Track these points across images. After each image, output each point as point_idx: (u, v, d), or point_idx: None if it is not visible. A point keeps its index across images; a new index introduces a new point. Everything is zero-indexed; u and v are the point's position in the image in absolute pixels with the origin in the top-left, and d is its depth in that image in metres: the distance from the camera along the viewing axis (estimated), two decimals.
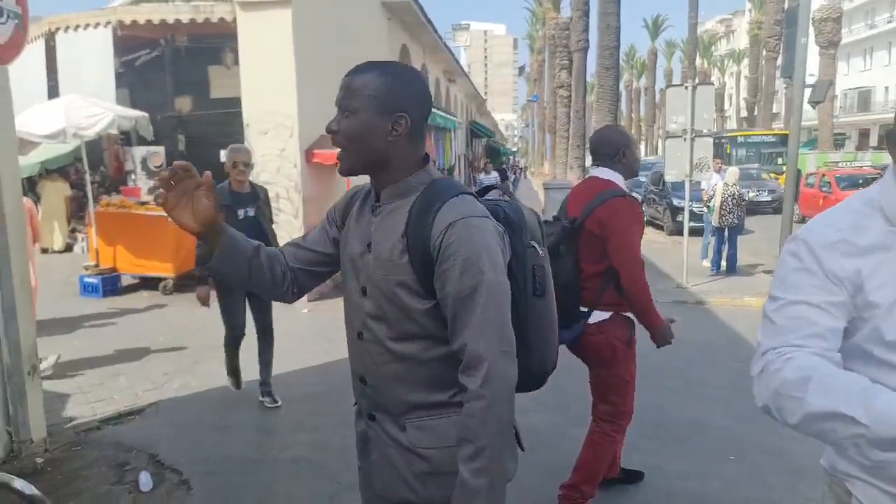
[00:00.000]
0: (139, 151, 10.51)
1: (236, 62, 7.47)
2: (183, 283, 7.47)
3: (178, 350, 5.58)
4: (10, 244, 3.36)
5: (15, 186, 3.49)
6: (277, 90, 7.08)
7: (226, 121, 9.32)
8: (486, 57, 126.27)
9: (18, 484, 2.62)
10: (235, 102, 7.59)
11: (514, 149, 71.69)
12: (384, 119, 1.30)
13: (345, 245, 1.46)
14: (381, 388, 1.40)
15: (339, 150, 1.34)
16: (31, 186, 11.06)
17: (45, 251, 10.33)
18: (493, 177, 10.78)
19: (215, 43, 10.43)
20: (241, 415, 4.16)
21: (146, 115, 9.61)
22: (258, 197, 4.29)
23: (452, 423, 1.32)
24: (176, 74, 11.44)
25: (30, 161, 10.13)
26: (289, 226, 7.19)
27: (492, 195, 1.57)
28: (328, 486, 3.20)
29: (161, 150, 10.70)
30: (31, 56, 9.98)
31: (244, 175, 4.18)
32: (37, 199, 10.81)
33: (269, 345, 4.30)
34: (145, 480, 3.25)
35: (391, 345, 1.35)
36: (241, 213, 4.11)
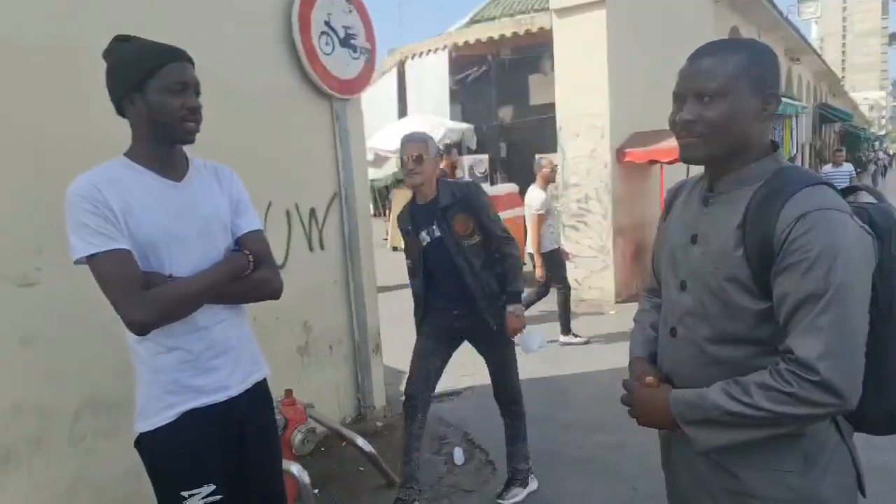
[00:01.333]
0: (467, 160, 11.67)
1: (553, 68, 7.75)
2: None
3: None
4: (360, 244, 4.06)
5: (364, 196, 4.19)
6: (589, 92, 7.15)
7: (542, 126, 9.76)
8: (844, 28, 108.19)
9: (360, 441, 3.18)
10: (551, 108, 7.89)
11: (882, 132, 59.83)
12: (755, 99, 1.21)
13: (665, 238, 1.42)
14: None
15: (685, 140, 1.26)
16: (385, 194, 13.15)
17: (395, 249, 12.16)
18: (846, 170, 9.05)
19: (535, 52, 11.01)
20: (544, 407, 4.32)
21: (471, 126, 10.64)
22: (452, 200, 2.86)
23: (767, 440, 1.19)
24: (500, 86, 12.39)
25: (385, 173, 12.02)
26: (598, 226, 7.20)
27: (855, 196, 1.36)
28: (624, 491, 3.13)
29: (485, 157, 11.72)
30: (387, 83, 11.85)
31: (417, 177, 2.85)
32: (389, 206, 12.81)
33: None
34: (459, 455, 3.61)
35: (709, 346, 1.26)
36: (423, 235, 2.93)
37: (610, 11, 7.04)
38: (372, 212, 8.02)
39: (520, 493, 3.12)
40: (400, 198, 12.98)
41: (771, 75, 1.24)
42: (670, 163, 7.15)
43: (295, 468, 2.47)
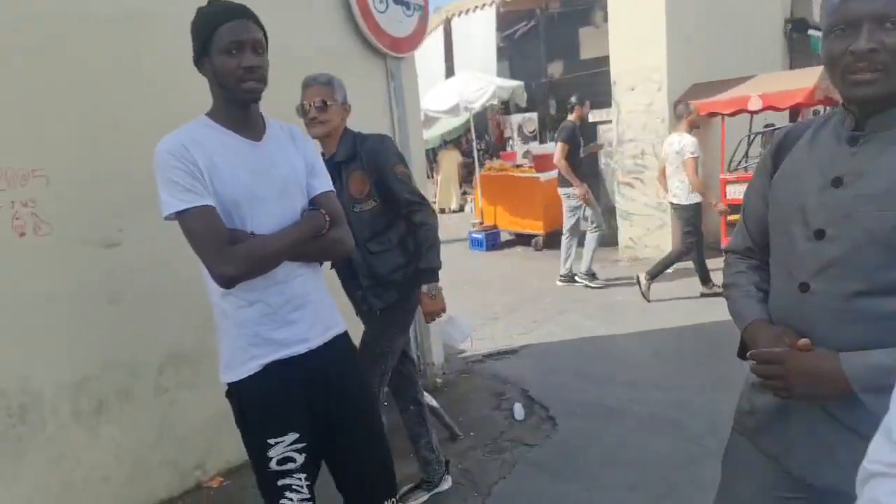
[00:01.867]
0: (516, 119, 11.51)
1: (606, 20, 7.50)
2: (551, 240, 8.00)
3: (545, 300, 6.05)
4: None
5: (420, 156, 4.19)
6: (645, 43, 6.90)
7: (594, 81, 9.50)
8: None
9: (427, 397, 3.25)
10: (604, 62, 7.67)
11: None
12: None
13: (783, 185, 1.28)
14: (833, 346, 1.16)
15: (863, 75, 1.11)
16: (433, 156, 13.13)
17: (442, 211, 12.20)
18: None
19: (585, 4, 10.65)
20: (602, 365, 4.32)
21: (521, 83, 10.43)
22: (349, 155, 2.41)
23: None
24: (549, 41, 12.09)
25: (433, 134, 11.97)
26: (654, 183, 7.04)
27: None
28: (689, 448, 3.13)
29: (534, 115, 11.52)
30: (433, 43, 11.69)
31: (319, 127, 2.37)
32: (437, 167, 12.80)
33: None
34: (519, 410, 3.66)
35: (860, 301, 1.12)
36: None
37: None
38: (427, 174, 8.05)
39: (422, 497, 2.81)
40: (447, 159, 12.97)
41: None
42: (732, 114, 6.88)
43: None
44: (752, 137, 7.20)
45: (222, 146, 1.60)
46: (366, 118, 3.80)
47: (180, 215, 1.52)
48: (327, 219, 1.70)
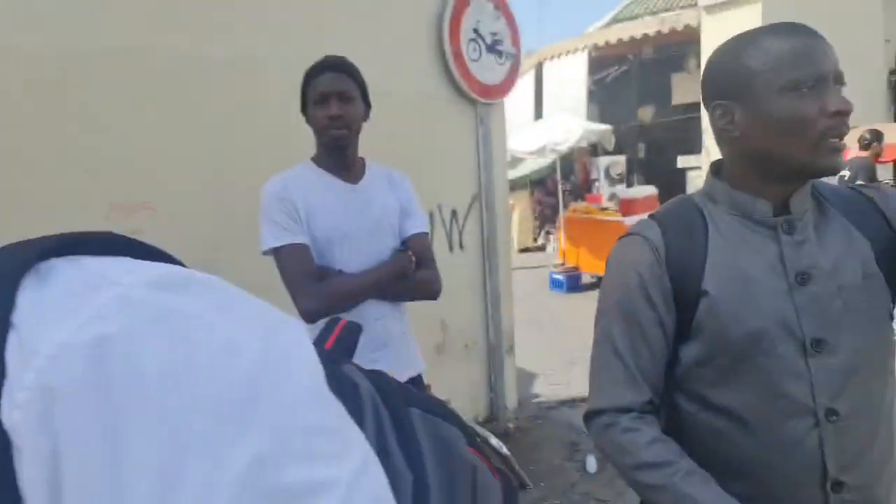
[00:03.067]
0: (603, 161, 11.40)
1: (699, 66, 7.38)
2: None
3: None
4: (498, 244, 4.12)
5: (503, 197, 4.25)
6: None
7: (686, 126, 9.32)
8: None
9: (494, 441, 3.23)
10: (695, 107, 7.53)
11: None
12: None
13: (731, 308, 0.97)
14: (873, 486, 0.96)
15: (840, 140, 0.96)
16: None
17: (521, 251, 12.16)
18: None
19: (678, 50, 10.52)
20: None
21: (609, 127, 10.38)
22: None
23: None
24: (640, 86, 11.98)
25: (518, 174, 12.04)
26: None
27: None
28: None
29: (622, 159, 11.39)
30: (524, 85, 11.85)
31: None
32: (514, 206, 12.83)
33: None
34: (591, 463, 3.56)
35: (878, 412, 0.97)
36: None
37: (766, 7, 6.58)
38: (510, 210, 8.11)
39: None
40: (521, 198, 12.97)
41: None
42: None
43: None
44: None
45: (320, 188, 1.71)
46: (453, 159, 3.90)
47: (276, 251, 1.64)
48: (413, 260, 1.76)
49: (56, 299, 0.32)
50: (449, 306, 3.89)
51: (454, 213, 3.90)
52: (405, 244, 1.81)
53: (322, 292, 1.61)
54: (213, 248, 2.63)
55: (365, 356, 1.69)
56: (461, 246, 3.96)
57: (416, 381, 1.85)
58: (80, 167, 2.30)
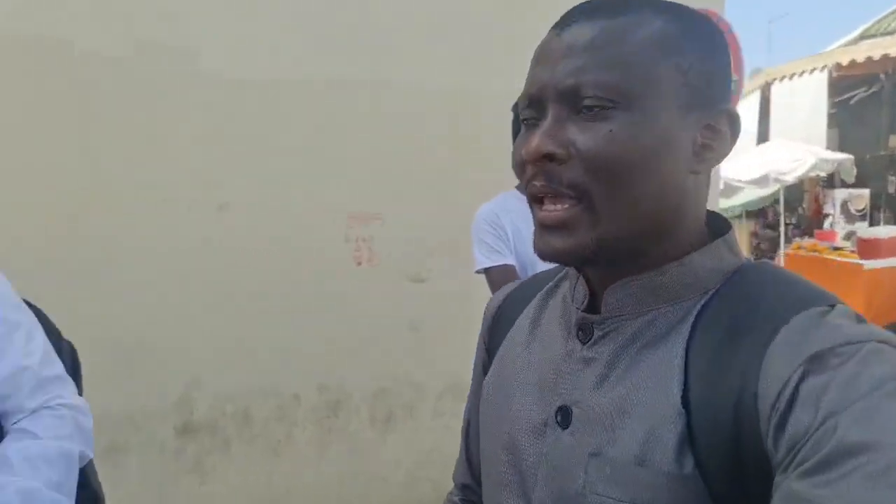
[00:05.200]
0: (840, 194, 10.15)
1: None
2: None
3: None
4: None
5: None
6: None
7: None
8: None
9: None
10: None
11: None
12: (690, 123, 0.57)
13: (493, 411, 0.71)
14: None
15: (547, 209, 0.59)
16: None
17: None
18: None
19: None
20: None
21: (850, 157, 9.24)
22: None
23: None
24: (892, 110, 10.50)
25: (733, 203, 11.22)
26: None
27: None
28: None
29: (865, 192, 10.04)
30: (746, 106, 11.05)
31: None
32: None
33: None
34: None
35: None
36: None
37: None
38: None
39: None
40: (740, 229, 11.97)
41: (722, 78, 0.59)
42: None
43: None
44: None
45: (526, 214, 1.85)
46: None
47: (486, 271, 1.86)
48: None
49: None
50: None
51: None
52: None
53: None
54: (428, 256, 2.91)
55: None
56: None
57: None
58: (324, 177, 2.71)
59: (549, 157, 0.55)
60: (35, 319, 1.07)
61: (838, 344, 0.48)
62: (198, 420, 2.57)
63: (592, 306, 0.63)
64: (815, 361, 0.48)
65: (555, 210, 0.57)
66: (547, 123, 0.56)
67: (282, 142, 2.62)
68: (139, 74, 2.42)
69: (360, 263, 2.82)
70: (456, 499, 0.88)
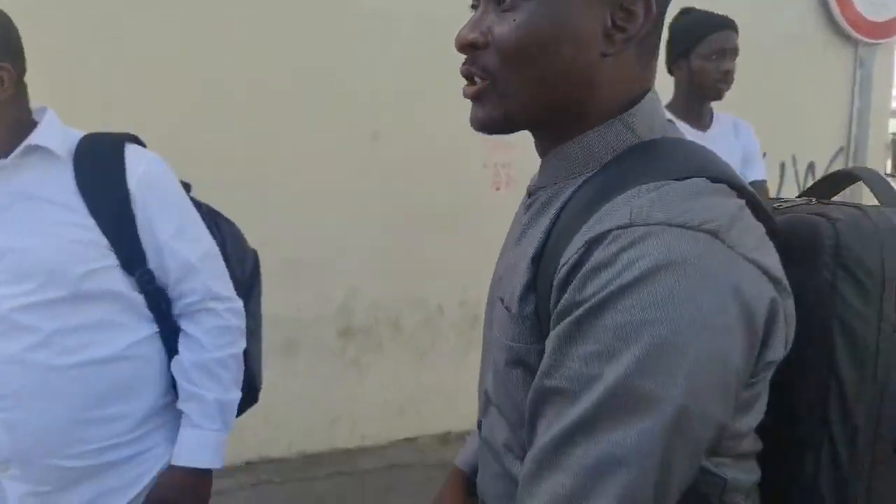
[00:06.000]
0: None
1: None
2: None
3: None
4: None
5: (879, 151, 3.73)
6: None
7: None
8: None
9: None
10: None
11: None
12: (597, 8, 0.60)
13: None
14: None
15: (476, 83, 0.65)
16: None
17: None
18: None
19: None
20: None
21: None
22: None
23: None
24: None
25: None
26: None
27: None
28: None
29: None
30: None
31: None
32: None
33: None
34: None
35: (510, 463, 0.68)
36: None
37: None
38: (889, 170, 6.87)
39: None
40: None
41: None
42: None
43: None
44: None
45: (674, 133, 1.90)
46: (818, 107, 3.56)
47: None
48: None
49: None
50: None
51: (811, 166, 3.60)
52: None
53: None
54: None
55: None
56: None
57: None
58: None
59: (472, 45, 0.62)
60: (199, 219, 1.21)
61: (616, 227, 0.52)
62: (356, 325, 2.91)
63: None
64: (594, 243, 0.53)
65: (469, 88, 0.65)
66: (475, 15, 0.63)
67: (433, 74, 2.77)
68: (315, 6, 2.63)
69: (498, 188, 2.97)
70: None
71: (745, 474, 0.59)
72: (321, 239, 2.75)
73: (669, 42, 1.91)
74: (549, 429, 0.53)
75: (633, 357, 0.49)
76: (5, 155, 1.05)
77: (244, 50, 2.53)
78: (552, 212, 0.62)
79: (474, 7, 0.65)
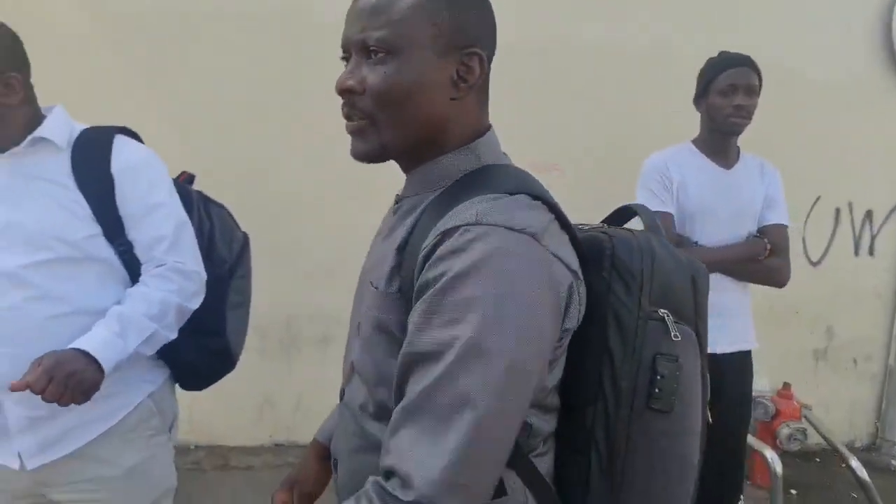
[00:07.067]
0: None
1: None
2: None
3: None
4: None
5: None
6: None
7: None
8: None
9: (854, 463, 2.93)
10: None
11: None
12: (447, 63, 0.79)
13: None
14: (347, 482, 0.90)
15: (355, 122, 0.82)
16: None
17: None
18: None
19: None
20: None
21: None
22: None
23: None
24: None
25: None
26: None
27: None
28: None
29: None
30: None
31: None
32: None
33: None
34: None
35: (367, 422, 0.85)
36: None
37: None
38: None
39: None
40: None
41: (473, 26, 0.81)
42: None
43: (769, 454, 2.54)
44: None
45: (696, 168, 1.94)
46: (881, 153, 3.45)
47: None
48: (767, 247, 1.87)
49: None
50: (840, 312, 3.56)
51: (869, 213, 3.50)
52: (762, 231, 1.93)
53: None
54: (599, 205, 3.01)
55: None
56: (871, 252, 3.54)
57: (745, 355, 1.95)
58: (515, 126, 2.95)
59: (349, 91, 0.79)
60: (179, 203, 1.41)
61: (465, 223, 0.70)
62: None
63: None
64: (446, 234, 0.71)
65: (353, 124, 0.81)
66: (350, 65, 0.80)
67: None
68: None
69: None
70: None
71: (546, 424, 0.80)
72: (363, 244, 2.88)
73: (698, 80, 1.98)
74: (417, 384, 0.69)
75: (478, 321, 0.66)
76: (18, 144, 1.28)
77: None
78: (416, 213, 0.81)
79: (345, 59, 0.81)
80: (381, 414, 0.81)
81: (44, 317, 1.25)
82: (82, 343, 1.24)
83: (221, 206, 1.60)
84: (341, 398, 0.93)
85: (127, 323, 1.29)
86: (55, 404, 1.21)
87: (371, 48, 0.77)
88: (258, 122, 2.80)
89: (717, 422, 1.83)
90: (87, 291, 1.29)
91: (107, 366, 1.24)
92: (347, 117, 0.81)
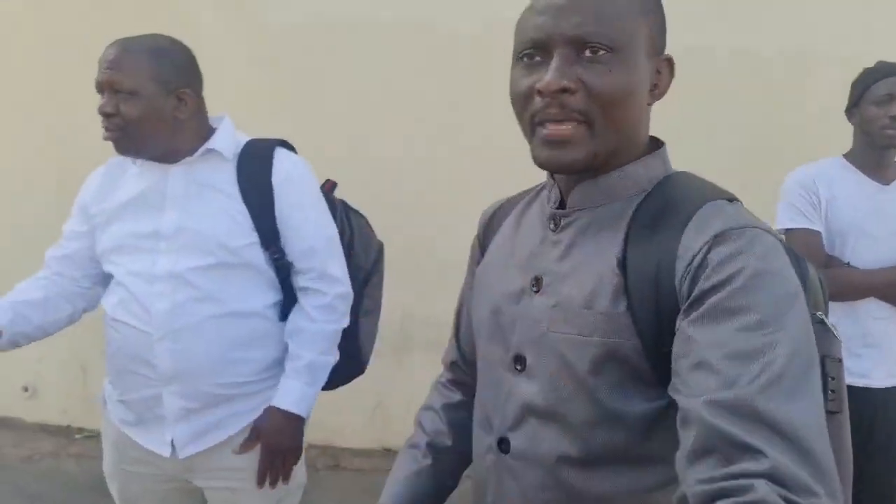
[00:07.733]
0: None
1: None
2: None
3: None
4: None
5: None
6: None
7: None
8: None
9: None
10: None
11: None
12: (650, 66, 0.78)
13: (484, 286, 0.90)
14: None
15: (569, 126, 0.74)
16: None
17: None
18: None
19: None
20: None
21: None
22: None
23: None
24: None
25: None
26: None
27: None
28: None
29: None
30: None
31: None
32: None
33: None
34: None
35: (570, 472, 0.75)
36: None
37: None
38: None
39: None
40: None
41: (664, 24, 0.79)
42: None
43: None
44: None
45: (848, 184, 1.81)
46: None
47: (787, 232, 1.82)
48: None
49: None
50: None
51: None
52: None
53: (827, 279, 1.72)
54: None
55: (852, 349, 1.74)
56: None
57: None
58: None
59: (563, 90, 0.70)
60: (329, 215, 1.48)
61: (734, 227, 0.68)
62: None
63: (562, 204, 0.82)
64: (719, 238, 0.67)
65: (562, 129, 0.72)
66: (557, 63, 0.71)
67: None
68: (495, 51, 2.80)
69: None
70: (443, 379, 1.09)
71: None
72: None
73: (851, 90, 1.86)
74: (726, 389, 0.59)
75: (788, 319, 0.62)
76: (191, 154, 1.36)
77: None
78: (622, 223, 0.76)
79: (528, 57, 0.74)
80: (594, 462, 0.74)
81: (204, 317, 1.34)
82: (283, 403, 1.40)
83: (361, 215, 1.65)
84: (499, 447, 0.82)
85: (314, 370, 1.42)
86: (209, 397, 1.35)
87: (591, 44, 0.70)
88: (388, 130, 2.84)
89: (868, 464, 1.68)
90: (239, 294, 1.38)
91: (305, 416, 1.42)
92: (544, 121, 0.73)
